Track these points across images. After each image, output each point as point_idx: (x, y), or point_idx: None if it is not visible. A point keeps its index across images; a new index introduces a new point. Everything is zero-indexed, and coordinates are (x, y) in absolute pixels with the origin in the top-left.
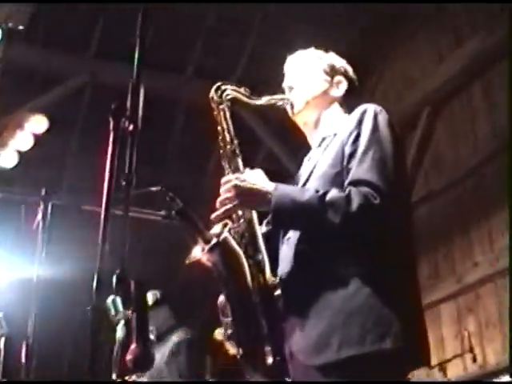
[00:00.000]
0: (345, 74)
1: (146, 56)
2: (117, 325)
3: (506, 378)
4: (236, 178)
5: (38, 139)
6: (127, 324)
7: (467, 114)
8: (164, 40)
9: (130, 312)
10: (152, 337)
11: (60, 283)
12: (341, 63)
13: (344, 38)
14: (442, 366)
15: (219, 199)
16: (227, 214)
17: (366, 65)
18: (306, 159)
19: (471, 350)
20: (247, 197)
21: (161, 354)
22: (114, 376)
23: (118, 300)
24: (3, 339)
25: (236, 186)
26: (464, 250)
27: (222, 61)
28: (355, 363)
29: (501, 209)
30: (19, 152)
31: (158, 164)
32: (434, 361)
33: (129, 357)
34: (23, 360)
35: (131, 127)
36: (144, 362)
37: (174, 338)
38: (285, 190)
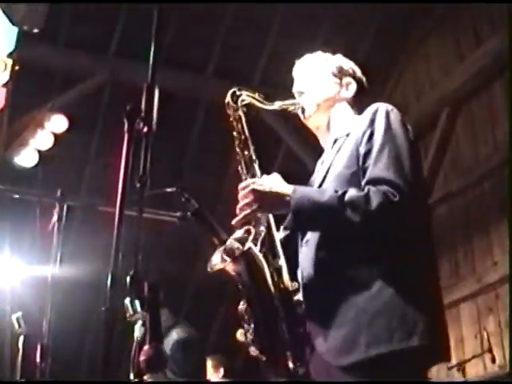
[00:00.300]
0: (353, 75)
1: (167, 56)
2: (134, 325)
3: None
4: (253, 183)
5: (58, 138)
6: (145, 324)
7: (487, 114)
8: (184, 40)
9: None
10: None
11: (75, 283)
12: (348, 64)
13: (363, 39)
14: (462, 366)
15: (238, 205)
16: (247, 219)
17: (386, 65)
18: (319, 163)
19: (490, 350)
20: (266, 200)
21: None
22: (131, 376)
23: (137, 301)
24: (22, 338)
25: (254, 191)
26: (484, 249)
27: (242, 61)
28: (383, 361)
29: None
30: (39, 151)
31: (177, 163)
32: (453, 361)
33: (142, 357)
34: (38, 360)
35: (145, 129)
36: (157, 362)
37: (174, 335)
38: (304, 191)
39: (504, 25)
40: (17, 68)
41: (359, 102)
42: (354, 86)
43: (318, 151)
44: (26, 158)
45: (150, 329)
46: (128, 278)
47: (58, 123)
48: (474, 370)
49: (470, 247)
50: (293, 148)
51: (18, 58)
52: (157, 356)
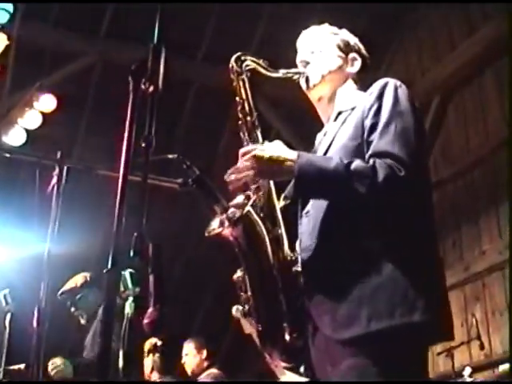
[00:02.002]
0: (358, 52)
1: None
2: (125, 301)
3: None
4: (255, 148)
5: (47, 118)
6: (136, 300)
7: (478, 102)
8: (175, 24)
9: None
10: (83, 321)
11: (73, 251)
12: (354, 40)
13: (355, 24)
14: (450, 353)
15: (237, 166)
16: (244, 181)
17: (377, 53)
18: (320, 134)
19: (479, 337)
20: (268, 166)
21: (92, 331)
22: (121, 352)
23: (127, 276)
24: (9, 316)
25: (256, 156)
26: (472, 238)
27: (233, 45)
28: (384, 336)
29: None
30: (27, 130)
31: (165, 146)
32: (440, 347)
33: (146, 320)
34: (35, 324)
35: (151, 89)
36: (161, 325)
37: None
38: (309, 157)
39: (496, 13)
40: (7, 43)
41: (362, 79)
42: (359, 63)
43: (307, 138)
44: (14, 137)
45: (153, 291)
46: (132, 239)
47: (46, 102)
48: (459, 358)
49: (459, 236)
50: (282, 134)
51: (8, 36)
52: (161, 318)
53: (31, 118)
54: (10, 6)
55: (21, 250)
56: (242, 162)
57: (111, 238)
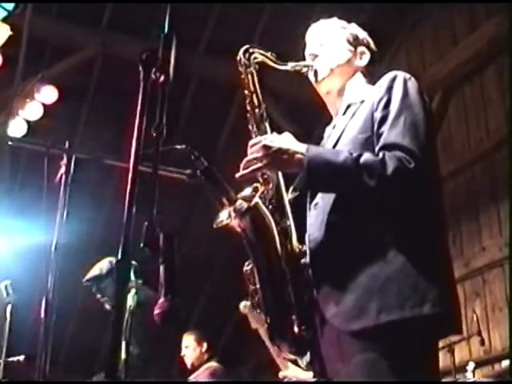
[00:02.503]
0: (367, 46)
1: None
2: (128, 293)
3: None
4: (264, 139)
5: (48, 109)
6: (137, 293)
7: (479, 98)
8: (177, 16)
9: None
10: (108, 307)
11: (88, 239)
12: (363, 34)
13: (357, 19)
14: (451, 348)
15: (246, 158)
16: (254, 174)
17: (379, 48)
18: (329, 128)
19: (479, 333)
20: (277, 157)
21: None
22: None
23: (130, 268)
24: (10, 307)
25: (265, 146)
26: (472, 234)
27: (235, 37)
28: (394, 328)
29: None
30: (28, 122)
31: (166, 139)
32: (441, 343)
33: (157, 311)
34: (42, 315)
35: (162, 78)
36: (172, 316)
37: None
38: (318, 150)
39: (500, 10)
40: (11, 33)
41: (370, 73)
42: (367, 56)
43: (309, 132)
44: (15, 128)
45: (164, 281)
46: (144, 229)
47: (47, 94)
48: (459, 354)
49: (459, 231)
50: (284, 128)
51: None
52: (172, 309)
53: (32, 110)
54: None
55: (23, 241)
56: (252, 153)
57: (113, 228)
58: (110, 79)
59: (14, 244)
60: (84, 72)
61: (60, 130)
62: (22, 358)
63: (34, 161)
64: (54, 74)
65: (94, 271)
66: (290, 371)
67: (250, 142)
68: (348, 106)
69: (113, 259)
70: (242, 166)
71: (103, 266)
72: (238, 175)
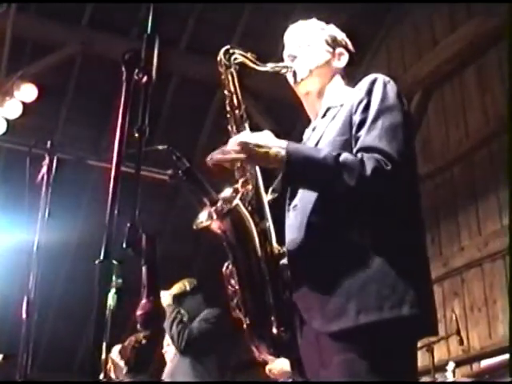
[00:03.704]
0: (345, 47)
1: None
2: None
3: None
4: (243, 135)
5: (28, 108)
6: (118, 292)
7: (459, 99)
8: (158, 14)
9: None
10: (185, 319)
11: (64, 240)
12: (341, 35)
13: (337, 19)
14: (430, 347)
15: (222, 148)
16: (229, 164)
17: (359, 49)
18: (308, 130)
19: (458, 332)
20: (255, 151)
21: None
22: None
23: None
24: None
25: (244, 142)
26: (451, 234)
27: (215, 36)
28: (373, 329)
29: (489, 194)
30: (7, 120)
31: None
32: (420, 342)
33: (139, 312)
34: (24, 316)
35: (145, 78)
36: (154, 317)
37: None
38: (298, 146)
39: (480, 11)
40: None
41: (348, 75)
42: (346, 58)
43: (288, 131)
44: None
45: (147, 282)
46: (126, 230)
47: (27, 92)
48: (438, 353)
49: (438, 231)
50: (263, 127)
51: None
52: (154, 311)
53: (11, 108)
54: None
55: (6, 240)
56: (230, 147)
57: (94, 229)
58: (90, 78)
59: None
60: (64, 70)
61: (39, 129)
62: (0, 357)
63: (13, 160)
64: (34, 72)
65: (179, 287)
66: (275, 364)
67: (230, 141)
68: (328, 109)
69: (194, 280)
70: (215, 152)
71: (187, 283)
72: (211, 160)
